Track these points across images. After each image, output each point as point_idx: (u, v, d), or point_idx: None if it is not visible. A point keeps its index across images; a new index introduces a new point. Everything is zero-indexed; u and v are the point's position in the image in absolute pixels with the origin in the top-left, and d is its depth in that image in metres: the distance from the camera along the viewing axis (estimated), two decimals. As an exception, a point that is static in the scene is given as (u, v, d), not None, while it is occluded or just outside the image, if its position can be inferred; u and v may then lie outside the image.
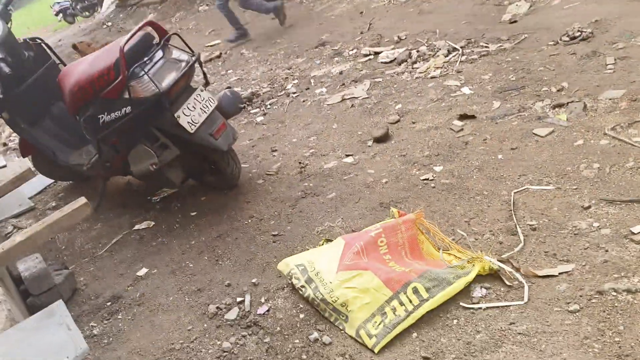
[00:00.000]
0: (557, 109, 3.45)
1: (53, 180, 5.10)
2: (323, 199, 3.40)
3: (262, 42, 8.00)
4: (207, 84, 3.67)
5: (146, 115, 3.31)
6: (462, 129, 3.65)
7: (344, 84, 5.15)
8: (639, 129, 2.99)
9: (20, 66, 4.08)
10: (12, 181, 3.81)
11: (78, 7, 26.23)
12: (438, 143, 3.60)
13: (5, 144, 7.30)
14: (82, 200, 3.09)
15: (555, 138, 3.20)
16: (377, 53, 5.63)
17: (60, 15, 27.21)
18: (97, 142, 3.56)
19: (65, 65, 4.67)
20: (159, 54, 3.42)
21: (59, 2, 27.18)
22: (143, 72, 3.23)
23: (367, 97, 4.65)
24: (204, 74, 3.66)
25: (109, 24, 18.87)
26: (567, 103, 3.44)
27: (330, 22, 7.53)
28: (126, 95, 3.25)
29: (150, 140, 3.57)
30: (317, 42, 6.85)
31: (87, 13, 26.38)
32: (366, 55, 5.67)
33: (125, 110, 3.29)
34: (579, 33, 4.18)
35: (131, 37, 3.24)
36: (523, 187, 2.90)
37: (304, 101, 5.14)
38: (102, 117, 3.38)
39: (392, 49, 5.56)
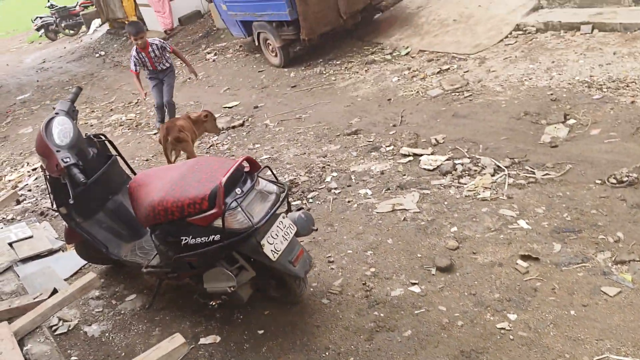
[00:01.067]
0: (620, 266, 3.67)
1: (86, 262, 5.09)
2: (399, 337, 3.51)
3: (285, 114, 8.16)
4: (288, 211, 3.77)
5: (234, 244, 3.39)
6: (527, 272, 3.84)
7: (389, 189, 5.31)
8: None
9: (86, 165, 4.10)
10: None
11: (62, 24, 25.84)
12: (506, 285, 3.77)
13: (18, 201, 7.17)
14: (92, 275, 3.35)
15: (623, 300, 3.41)
16: (416, 155, 5.83)
17: (42, 30, 26.71)
18: (174, 260, 3.61)
19: (132, 171, 4.74)
20: (248, 183, 3.52)
21: (40, 17, 26.70)
22: (237, 205, 3.32)
23: (419, 212, 4.82)
24: (288, 203, 3.76)
25: (102, 52, 18.79)
26: (629, 261, 3.67)
27: (357, 104, 7.75)
28: (218, 224, 3.33)
29: (229, 262, 3.65)
30: (347, 126, 7.04)
31: (71, 31, 26.05)
32: (405, 156, 5.87)
33: (213, 238, 3.37)
34: (627, 177, 4.46)
35: (230, 170, 3.34)
36: (603, 355, 3.08)
37: (349, 202, 5.27)
38: (186, 239, 3.45)
39: (432, 153, 5.78)
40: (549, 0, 8.25)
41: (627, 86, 5.86)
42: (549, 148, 5.31)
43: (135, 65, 8.14)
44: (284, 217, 3.64)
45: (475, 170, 5.26)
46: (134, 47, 8.05)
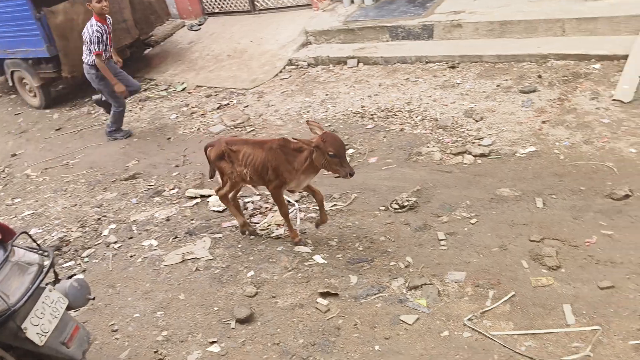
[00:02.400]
0: (414, 291, 3.75)
1: None
2: (203, 410, 3.09)
3: (49, 160, 7.18)
4: (56, 281, 3.13)
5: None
6: (328, 309, 3.73)
7: (177, 237, 4.87)
8: (491, 320, 3.42)
9: None
10: None
11: None
12: (309, 328, 3.60)
13: None
14: None
15: (422, 327, 3.47)
16: (203, 196, 5.49)
17: None
18: None
19: None
20: (1, 255, 2.83)
21: None
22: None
23: (212, 259, 4.47)
24: (55, 272, 3.11)
25: None
26: (421, 285, 3.77)
27: (133, 145, 7.14)
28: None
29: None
30: (124, 170, 6.41)
31: None
32: (192, 198, 5.49)
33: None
34: (407, 202, 4.67)
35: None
36: (411, 389, 3.05)
37: (132, 257, 4.70)
38: None
39: (220, 192, 5.48)
40: (315, 37, 8.64)
41: (395, 115, 6.29)
42: (333, 178, 5.39)
43: (99, 43, 6.55)
44: (50, 290, 3.01)
45: (267, 208, 5.10)
46: (92, 19, 6.55)
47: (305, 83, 7.75)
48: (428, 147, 5.54)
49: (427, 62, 7.32)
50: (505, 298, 3.55)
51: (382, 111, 6.42)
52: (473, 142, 5.45)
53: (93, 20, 6.64)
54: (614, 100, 5.49)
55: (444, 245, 4.17)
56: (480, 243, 4.11)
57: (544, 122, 5.51)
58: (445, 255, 4.05)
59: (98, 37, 6.60)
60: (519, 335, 3.27)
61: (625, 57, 5.95)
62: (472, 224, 4.34)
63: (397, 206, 4.70)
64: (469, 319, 3.44)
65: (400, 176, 5.17)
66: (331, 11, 9.14)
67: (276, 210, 4.98)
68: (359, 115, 6.47)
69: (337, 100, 6.95)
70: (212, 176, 4.74)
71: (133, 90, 7.36)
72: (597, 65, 6.14)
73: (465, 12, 7.64)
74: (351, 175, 3.81)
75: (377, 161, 5.51)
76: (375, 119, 6.29)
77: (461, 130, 5.73)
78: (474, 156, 5.23)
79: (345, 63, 7.86)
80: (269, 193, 5.22)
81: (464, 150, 5.32)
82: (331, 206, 4.89)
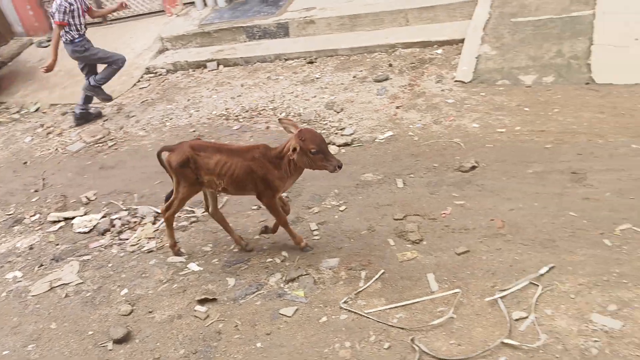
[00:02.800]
0: (291, 284, 3.83)
1: None
2: None
3: None
4: None
5: None
6: (208, 316, 3.70)
7: (42, 265, 4.59)
8: (365, 299, 3.59)
9: None
10: None
11: None
12: (189, 337, 3.55)
13: None
14: None
15: (301, 317, 3.55)
16: (67, 219, 5.19)
17: None
18: None
19: None
20: None
21: None
22: None
23: (82, 283, 4.26)
24: None
25: None
26: (298, 277, 3.87)
27: (-17, 174, 6.56)
28: None
29: None
30: (-25, 203, 5.88)
31: None
32: (55, 222, 5.18)
33: None
34: (277, 198, 4.75)
35: None
36: (295, 378, 3.13)
37: (-7, 293, 4.35)
38: None
39: (85, 213, 5.22)
40: (172, 43, 8.46)
41: (259, 114, 6.36)
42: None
43: (64, 14, 6.30)
44: None
45: (136, 222, 4.94)
46: None
47: (165, 90, 7.57)
48: (294, 142, 5.66)
49: (286, 60, 7.47)
50: (376, 277, 3.73)
51: (247, 111, 6.46)
52: (336, 133, 5.66)
53: None
54: (456, 81, 5.96)
55: (317, 235, 4.30)
56: (350, 228, 4.28)
57: (398, 107, 5.85)
58: (319, 245, 4.18)
59: (65, 7, 6.33)
60: (391, 309, 3.46)
61: (462, 40, 6.48)
62: (342, 211, 4.51)
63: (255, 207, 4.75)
64: (345, 302, 3.58)
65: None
66: (185, 16, 9.00)
67: (145, 224, 4.87)
68: (223, 117, 6.45)
69: (200, 105, 6.87)
70: (171, 194, 4.13)
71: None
72: (440, 51, 6.63)
73: (316, 8, 7.88)
74: (339, 167, 3.56)
75: (245, 161, 5.53)
76: (241, 120, 6.31)
77: (324, 122, 5.92)
78: (337, 146, 5.43)
79: (205, 66, 7.79)
80: (135, 207, 5.12)
81: (328, 141, 5.50)
82: (202, 212, 4.84)
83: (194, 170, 3.85)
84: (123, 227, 4.89)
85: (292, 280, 3.86)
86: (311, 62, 7.26)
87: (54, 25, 6.69)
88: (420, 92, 6.01)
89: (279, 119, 3.97)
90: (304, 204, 4.68)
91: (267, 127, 6.05)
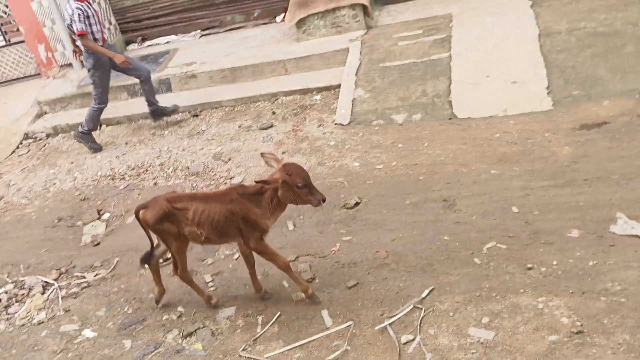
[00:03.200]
0: (189, 338, 3.84)
1: None
2: None
3: None
4: None
5: None
6: (106, 383, 3.62)
7: None
8: (264, 343, 3.68)
9: None
10: None
11: None
12: (88, 407, 3.45)
13: None
14: None
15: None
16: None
17: None
18: None
19: None
20: None
21: None
22: None
23: (-37, 367, 3.98)
24: None
25: None
26: (195, 330, 3.89)
27: None
28: None
29: None
30: None
31: None
32: None
33: None
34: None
35: None
36: None
37: None
38: None
39: (-38, 292, 4.90)
40: (50, 106, 8.24)
41: (146, 170, 6.33)
42: (93, 247, 5.23)
43: (80, 22, 6.10)
44: None
45: (23, 294, 4.73)
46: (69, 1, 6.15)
47: (47, 155, 7.33)
48: (184, 196, 5.70)
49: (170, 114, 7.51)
50: (273, 320, 3.84)
51: (133, 169, 6.41)
52: (225, 183, 5.77)
53: (71, 1, 6.16)
54: (336, 124, 6.31)
55: (212, 286, 4.35)
56: (245, 276, 4.34)
57: (283, 152, 6.08)
58: (215, 296, 4.22)
59: (79, 14, 6.09)
60: (289, 350, 3.58)
61: (339, 86, 6.89)
62: (236, 259, 4.59)
63: (161, 260, 4.74)
64: (244, 349, 3.65)
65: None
66: (63, 77, 8.80)
67: (34, 294, 4.67)
68: (109, 177, 6.35)
69: (85, 167, 6.72)
70: (152, 251, 3.99)
71: (146, 75, 6.87)
72: (318, 96, 6.99)
73: (197, 63, 8.05)
74: (323, 201, 3.51)
75: (133, 220, 5.47)
76: (127, 178, 6.25)
77: (213, 173, 6.01)
78: (228, 196, 5.53)
79: (89, 127, 7.64)
80: (22, 278, 4.89)
81: (218, 192, 5.60)
82: (94, 276, 4.73)
83: (174, 223, 3.68)
84: (10, 301, 4.66)
85: (190, 334, 3.88)
86: (196, 115, 7.36)
87: (75, 38, 6.43)
88: (303, 136, 6.29)
89: (261, 153, 3.81)
90: (197, 257, 4.71)
91: (155, 183, 6.04)
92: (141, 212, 3.76)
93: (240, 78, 7.74)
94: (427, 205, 4.66)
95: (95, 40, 6.38)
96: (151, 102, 7.05)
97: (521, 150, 4.99)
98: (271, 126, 6.64)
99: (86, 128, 6.90)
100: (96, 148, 7.01)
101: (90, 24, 6.25)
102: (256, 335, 3.75)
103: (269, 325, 3.80)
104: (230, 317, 3.97)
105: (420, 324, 3.50)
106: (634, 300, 3.18)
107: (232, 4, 9.06)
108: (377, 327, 3.58)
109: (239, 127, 6.84)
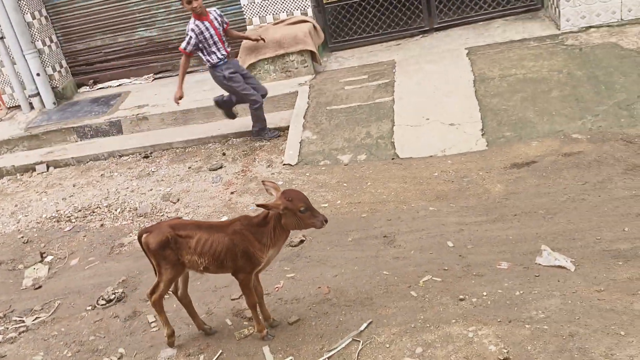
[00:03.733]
0: (129, 379, 3.81)
1: None
2: None
3: None
4: None
5: None
6: None
7: None
8: (204, 381, 3.69)
9: None
10: None
11: None
12: None
13: None
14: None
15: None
16: None
17: None
18: None
19: None
20: None
21: None
22: None
23: None
24: None
25: None
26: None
27: None
28: None
29: None
30: None
31: None
32: None
33: None
34: (114, 295, 4.72)
35: None
36: None
37: None
38: None
39: None
40: (-3, 147, 8.16)
41: (93, 212, 6.30)
42: (34, 291, 5.14)
43: (191, 43, 6.40)
44: None
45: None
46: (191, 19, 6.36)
47: (-10, 198, 7.20)
48: (130, 236, 5.70)
49: (120, 156, 7.54)
50: (215, 358, 3.85)
51: (80, 211, 6.37)
52: (173, 224, 5.79)
53: (192, 19, 6.41)
54: (284, 164, 6.47)
55: (154, 326, 4.33)
56: (187, 314, 4.37)
57: (232, 192, 6.17)
58: (157, 336, 4.20)
59: (191, 36, 6.35)
60: (229, 388, 3.60)
61: (287, 128, 7.08)
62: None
63: (103, 302, 4.70)
64: (183, 388, 3.64)
65: (104, 271, 5.19)
66: (10, 119, 8.75)
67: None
68: (54, 220, 6.29)
69: (29, 209, 6.64)
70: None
71: (263, 94, 7.00)
72: (268, 138, 7.16)
73: (148, 105, 8.15)
74: (326, 222, 3.46)
75: (78, 262, 5.44)
76: (73, 220, 6.20)
77: (161, 214, 6.04)
78: (175, 236, 5.55)
79: (34, 170, 7.58)
80: None
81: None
82: (33, 320, 4.64)
83: (174, 250, 3.63)
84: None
85: (126, 377, 3.84)
86: (146, 157, 7.41)
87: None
88: (252, 176, 6.41)
89: (262, 181, 3.80)
90: (141, 298, 4.69)
91: (102, 225, 6.02)
92: (144, 236, 3.71)
93: (192, 120, 7.87)
94: (368, 242, 4.81)
95: (216, 53, 6.58)
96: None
97: (457, 188, 5.23)
98: (221, 167, 6.74)
99: (257, 128, 7.13)
100: (276, 133, 7.23)
101: (208, 44, 6.47)
102: (199, 372, 3.75)
103: (210, 363, 3.81)
104: (172, 357, 3.95)
105: (358, 356, 3.57)
106: (555, 327, 3.35)
107: (185, 49, 9.24)
108: (316, 362, 3.64)
109: (189, 168, 6.91)
